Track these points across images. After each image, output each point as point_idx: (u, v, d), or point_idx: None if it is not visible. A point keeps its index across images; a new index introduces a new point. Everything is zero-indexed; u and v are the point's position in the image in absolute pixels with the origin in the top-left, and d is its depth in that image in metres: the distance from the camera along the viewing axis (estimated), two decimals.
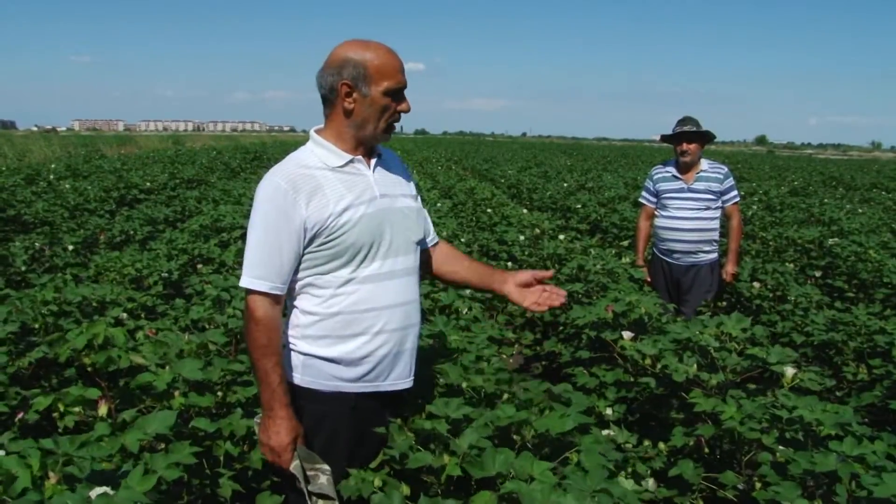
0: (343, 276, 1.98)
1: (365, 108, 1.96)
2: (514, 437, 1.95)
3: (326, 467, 1.94)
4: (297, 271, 1.98)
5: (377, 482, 1.91)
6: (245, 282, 1.93)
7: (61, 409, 2.20)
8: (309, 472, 1.94)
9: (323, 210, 1.92)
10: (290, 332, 2.03)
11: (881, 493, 1.71)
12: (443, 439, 1.89)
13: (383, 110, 1.97)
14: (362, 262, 1.98)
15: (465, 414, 1.96)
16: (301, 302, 2.02)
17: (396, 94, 1.97)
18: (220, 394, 2.31)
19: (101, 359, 2.45)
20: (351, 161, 2.01)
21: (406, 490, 1.87)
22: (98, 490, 1.51)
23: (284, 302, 2.01)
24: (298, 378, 2.02)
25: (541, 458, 1.80)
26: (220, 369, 2.28)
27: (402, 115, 2.03)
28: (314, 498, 1.93)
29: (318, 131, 2.05)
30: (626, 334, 2.97)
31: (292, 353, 2.03)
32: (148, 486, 1.57)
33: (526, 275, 2.21)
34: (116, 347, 2.51)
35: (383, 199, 2.03)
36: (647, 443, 2.56)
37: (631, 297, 3.26)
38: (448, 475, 1.81)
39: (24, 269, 5.70)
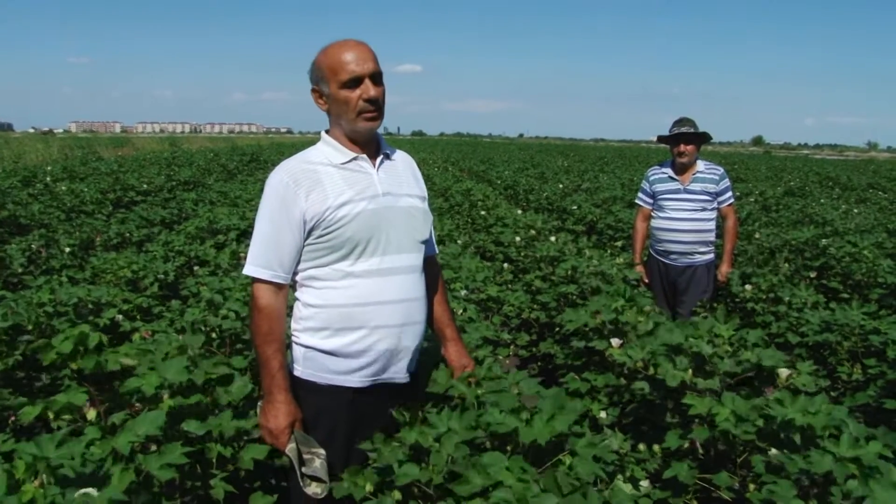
0: (342, 270, 2.04)
1: (333, 106, 2.06)
2: (507, 443, 1.94)
3: (322, 451, 2.01)
4: (299, 262, 2.06)
5: (369, 487, 1.91)
6: (248, 270, 2.03)
7: (51, 416, 2.20)
8: (305, 456, 2.01)
9: (321, 203, 2.00)
10: (294, 325, 2.12)
11: (871, 492, 1.70)
12: (428, 451, 1.87)
13: (346, 103, 2.02)
14: (360, 256, 2.04)
15: (449, 427, 1.94)
16: (303, 295, 2.10)
17: (354, 84, 2.01)
18: (208, 398, 2.31)
19: (89, 364, 2.44)
20: (354, 158, 2.09)
21: (398, 495, 1.87)
22: (83, 491, 1.50)
23: (288, 294, 2.09)
24: (299, 370, 2.10)
25: (533, 463, 1.79)
26: (205, 371, 2.27)
27: (381, 103, 2.05)
28: (307, 479, 2.00)
29: (326, 131, 2.15)
30: (615, 341, 2.95)
31: (294, 345, 2.11)
32: (124, 485, 1.55)
33: (457, 364, 2.32)
34: (104, 350, 2.49)
35: (386, 196, 2.09)
36: (641, 446, 2.56)
37: (617, 303, 3.23)
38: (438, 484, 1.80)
39: (20, 270, 5.69)
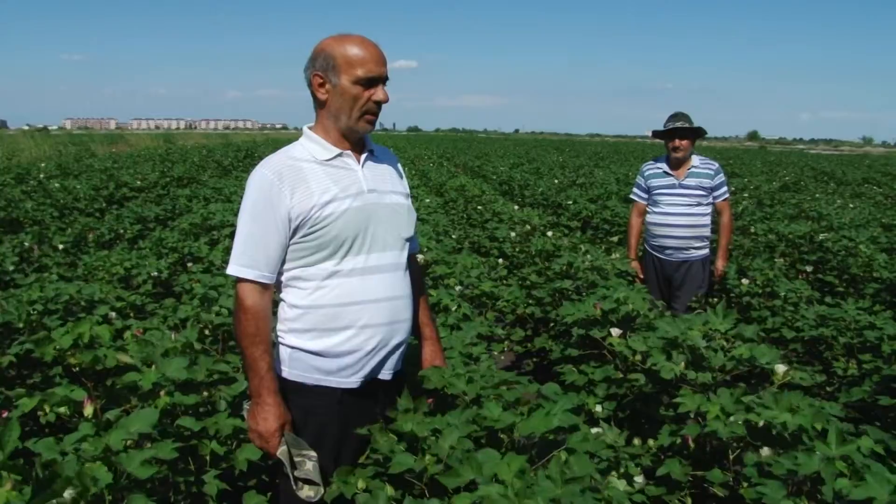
0: (328, 269, 2.00)
1: (337, 98, 2.00)
2: (502, 436, 1.93)
3: (313, 453, 1.98)
4: (283, 263, 2.02)
5: (361, 484, 1.90)
6: (233, 270, 1.98)
7: (47, 410, 2.18)
8: (296, 458, 1.98)
9: (306, 201, 1.95)
10: (279, 326, 2.07)
11: (859, 495, 1.69)
12: (424, 441, 1.87)
13: (354, 100, 1.98)
14: (346, 254, 2.00)
15: (448, 422, 1.93)
16: (288, 295, 2.06)
17: (368, 84, 1.97)
18: (205, 393, 2.29)
19: (87, 358, 2.42)
20: (339, 155, 2.05)
21: (391, 490, 1.85)
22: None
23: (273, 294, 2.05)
24: (286, 371, 2.06)
25: (529, 459, 1.78)
26: (206, 368, 2.26)
27: (383, 106, 2.03)
28: (300, 483, 1.97)
29: (309, 127, 2.10)
30: (615, 331, 2.95)
31: (280, 346, 2.07)
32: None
33: (428, 365, 2.31)
34: (102, 346, 2.48)
35: (371, 193, 2.06)
36: (637, 441, 2.55)
37: (619, 293, 3.24)
38: (431, 476, 1.79)
39: (12, 268, 5.65)
